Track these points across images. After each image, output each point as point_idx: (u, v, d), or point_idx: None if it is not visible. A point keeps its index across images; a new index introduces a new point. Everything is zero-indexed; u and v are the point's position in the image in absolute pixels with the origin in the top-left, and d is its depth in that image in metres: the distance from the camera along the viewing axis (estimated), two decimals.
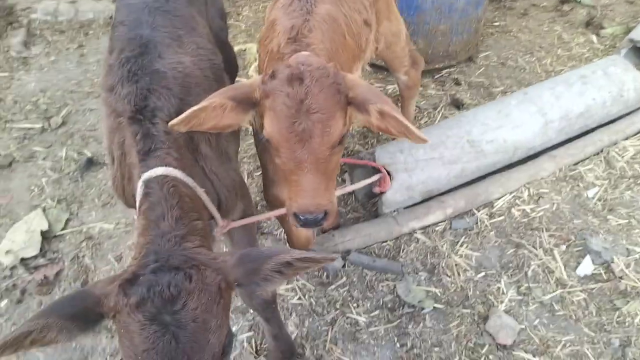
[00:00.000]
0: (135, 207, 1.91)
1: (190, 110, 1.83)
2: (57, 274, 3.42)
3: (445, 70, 4.97)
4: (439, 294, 3.24)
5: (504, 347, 2.97)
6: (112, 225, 3.71)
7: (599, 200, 3.68)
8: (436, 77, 4.93)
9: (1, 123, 4.51)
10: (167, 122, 1.88)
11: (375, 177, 3.45)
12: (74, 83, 4.96)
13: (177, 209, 1.77)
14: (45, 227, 3.61)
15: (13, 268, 3.43)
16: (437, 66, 4.89)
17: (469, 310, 3.14)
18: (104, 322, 1.51)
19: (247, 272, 1.58)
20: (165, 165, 1.85)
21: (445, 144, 3.63)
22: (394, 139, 3.67)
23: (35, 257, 3.49)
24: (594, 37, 5.19)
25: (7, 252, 3.49)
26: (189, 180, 1.90)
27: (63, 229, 3.70)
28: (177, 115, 1.89)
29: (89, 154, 4.20)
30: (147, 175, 1.82)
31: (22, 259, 3.46)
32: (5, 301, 3.26)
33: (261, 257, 1.58)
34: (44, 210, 3.77)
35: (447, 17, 4.57)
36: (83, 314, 1.48)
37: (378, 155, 3.55)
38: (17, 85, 4.91)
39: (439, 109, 4.54)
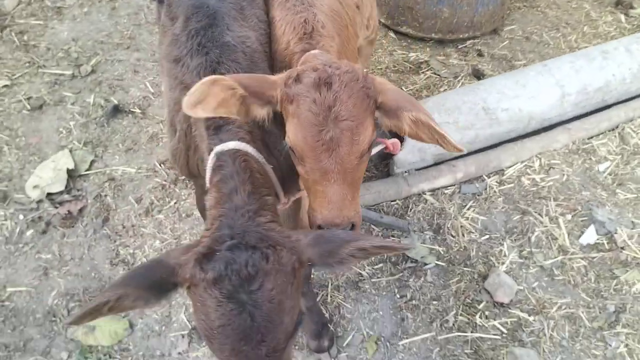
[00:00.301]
0: (196, 177, 1.98)
1: (197, 84, 1.69)
2: (81, 210, 3.60)
3: (470, 41, 4.98)
4: (442, 252, 3.34)
5: (501, 305, 3.07)
6: (134, 170, 3.87)
7: (610, 174, 3.72)
8: (460, 47, 4.95)
9: (34, 68, 4.68)
10: None
11: (389, 141, 3.52)
12: (104, 34, 5.09)
13: (249, 184, 1.77)
14: (71, 165, 3.79)
15: (39, 202, 3.62)
16: (461, 36, 4.90)
17: (469, 269, 3.24)
18: (178, 291, 1.53)
19: (322, 254, 1.57)
20: (238, 140, 1.85)
21: (460, 110, 3.69)
22: None
23: (61, 193, 3.67)
24: (622, 17, 5.13)
25: (35, 187, 3.68)
26: (259, 156, 1.89)
27: (88, 169, 3.87)
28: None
29: (115, 102, 4.35)
30: (219, 148, 1.82)
31: (48, 194, 3.65)
32: (30, 231, 3.46)
33: (338, 240, 1.56)
34: (70, 151, 3.95)
35: None
36: (158, 283, 1.50)
37: None
38: (50, 34, 5.07)
39: (459, 78, 4.58)
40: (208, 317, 1.46)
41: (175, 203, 3.64)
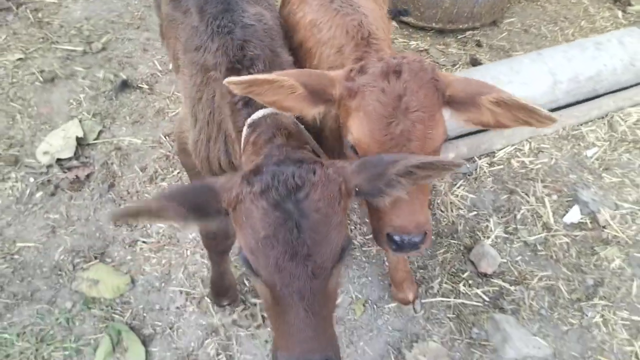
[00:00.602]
0: (218, 169, 2.04)
1: (256, 76, 1.65)
2: (88, 175, 3.77)
3: (469, 32, 5.13)
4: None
5: (484, 275, 3.22)
6: (140, 141, 4.04)
7: (597, 159, 3.86)
8: (459, 37, 5.10)
9: (47, 44, 4.85)
10: (263, 72, 1.91)
11: None
12: (115, 14, 5.26)
13: (285, 132, 1.80)
14: (80, 134, 3.96)
15: (49, 167, 3.79)
16: (460, 26, 5.05)
17: (456, 242, 3.39)
18: (218, 217, 1.56)
19: (370, 178, 1.55)
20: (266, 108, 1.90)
21: None
22: None
23: (70, 159, 3.83)
24: (619, 13, 5.27)
25: (45, 152, 3.85)
26: (291, 119, 1.91)
27: (96, 139, 4.04)
28: (271, 66, 1.91)
29: (124, 77, 4.51)
30: (251, 118, 1.88)
31: (58, 160, 3.81)
32: (40, 193, 3.63)
33: (384, 161, 1.54)
34: (80, 121, 4.11)
35: None
36: (201, 206, 1.52)
37: None
38: (64, 12, 5.25)
39: (457, 66, 4.72)
40: (254, 230, 1.46)
41: (178, 172, 3.80)
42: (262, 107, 1.90)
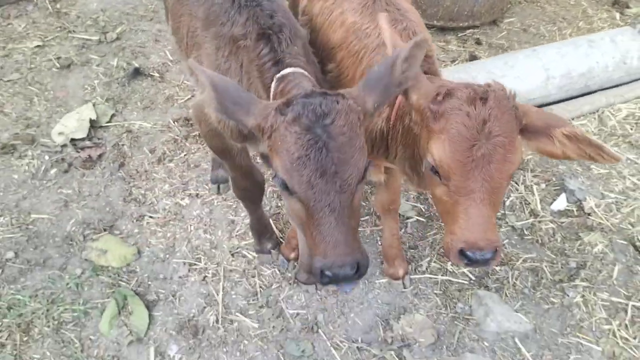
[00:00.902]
0: (240, 142, 2.24)
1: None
2: (100, 155, 3.97)
3: (469, 30, 5.29)
4: (423, 210, 3.66)
5: None
6: (149, 125, 4.25)
7: None
8: (460, 35, 5.27)
9: (64, 33, 5.08)
10: (289, 39, 2.18)
11: None
12: (130, 7, 5.49)
13: (310, 82, 2.08)
14: (94, 117, 4.17)
15: (63, 146, 4.00)
16: (461, 24, 5.22)
17: None
18: (243, 127, 1.85)
19: (381, 92, 1.82)
20: (294, 67, 2.15)
21: None
22: None
23: (83, 139, 4.05)
24: (617, 15, 5.42)
25: (60, 133, 4.06)
26: (313, 80, 2.18)
27: (108, 122, 4.25)
28: (294, 34, 2.17)
29: (136, 65, 4.73)
30: (279, 74, 2.12)
31: (72, 140, 4.03)
32: (54, 170, 3.84)
33: (383, 71, 1.82)
34: (93, 105, 4.33)
35: None
36: (238, 105, 1.80)
37: None
38: (81, 4, 5.48)
39: (456, 62, 4.89)
40: (288, 153, 1.70)
41: (185, 155, 4.00)
42: (289, 66, 2.15)
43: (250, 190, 2.98)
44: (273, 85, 2.14)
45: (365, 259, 1.78)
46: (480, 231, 1.74)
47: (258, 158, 2.70)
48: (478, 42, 5.18)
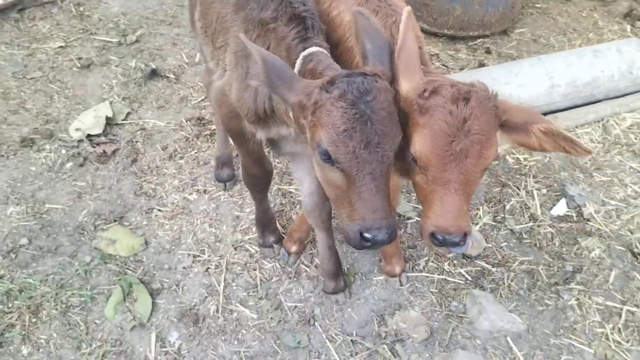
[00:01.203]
0: (262, 114, 2.44)
1: None
2: (114, 151, 4.13)
3: (480, 40, 5.38)
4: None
5: (469, 257, 3.44)
6: (163, 123, 4.40)
7: (590, 160, 4.05)
8: (470, 44, 5.35)
9: (86, 34, 5.29)
10: (319, 28, 2.37)
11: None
12: (150, 11, 5.69)
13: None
14: (110, 114, 4.34)
15: (80, 141, 4.17)
16: (471, 34, 5.30)
17: None
18: (282, 102, 2.06)
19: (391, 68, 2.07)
20: (320, 47, 2.31)
21: None
22: None
23: (99, 135, 4.21)
24: (628, 27, 5.46)
25: (77, 129, 4.24)
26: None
27: (124, 119, 4.41)
28: (320, 26, 2.36)
29: (153, 66, 4.90)
30: (305, 52, 2.27)
31: (88, 135, 4.19)
32: (70, 163, 4.01)
33: (378, 33, 2.11)
34: (110, 103, 4.50)
35: None
36: (283, 80, 1.98)
37: None
38: (104, 7, 5.69)
39: (465, 69, 4.98)
40: (335, 126, 1.87)
41: (195, 152, 4.14)
42: (315, 45, 2.30)
43: (259, 178, 3.10)
44: (298, 62, 2.27)
45: (396, 226, 1.97)
46: (452, 218, 1.92)
47: (272, 149, 2.82)
48: (488, 51, 5.26)
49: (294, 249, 3.39)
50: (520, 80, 4.18)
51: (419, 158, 1.97)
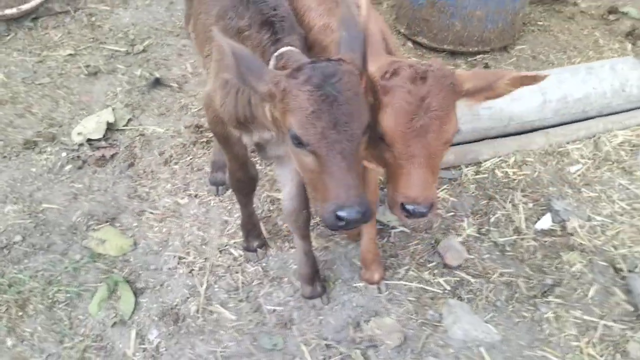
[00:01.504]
0: (242, 119, 2.54)
1: None
2: (113, 155, 4.28)
3: (480, 55, 5.42)
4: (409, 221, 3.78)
5: (450, 267, 3.47)
6: (162, 130, 4.54)
7: (579, 175, 4.06)
8: (469, 59, 5.41)
9: (96, 44, 5.49)
10: (290, 29, 2.48)
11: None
12: (159, 22, 5.88)
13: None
14: (111, 120, 4.49)
15: (80, 145, 4.33)
16: (471, 49, 5.35)
17: (429, 236, 3.67)
18: (254, 92, 2.13)
19: (361, 55, 2.14)
20: (292, 47, 2.42)
21: None
22: None
23: (99, 140, 4.37)
24: (629, 46, 5.45)
25: (79, 133, 4.40)
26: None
27: (125, 125, 4.56)
28: (294, 27, 2.49)
29: (158, 75, 5.06)
30: (278, 52, 2.39)
31: (89, 140, 4.35)
32: (69, 166, 4.16)
33: (353, 24, 2.17)
34: (113, 109, 4.66)
35: (483, 4, 5.04)
36: (252, 72, 2.04)
37: None
38: (114, 18, 5.90)
39: None
40: (302, 109, 1.95)
41: (190, 159, 4.26)
42: (287, 45, 2.41)
43: (243, 182, 3.20)
44: (271, 63, 2.38)
45: (371, 205, 2.03)
46: (419, 189, 2.06)
47: (257, 152, 2.93)
48: (487, 67, 5.30)
49: (376, 276, 3.36)
50: (512, 95, 4.13)
51: (385, 134, 2.11)
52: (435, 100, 2.02)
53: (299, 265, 3.28)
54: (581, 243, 3.57)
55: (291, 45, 2.43)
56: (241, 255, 3.54)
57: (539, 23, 5.87)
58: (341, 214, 1.95)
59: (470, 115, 4.12)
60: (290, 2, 2.85)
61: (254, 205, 3.75)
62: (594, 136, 4.29)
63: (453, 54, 5.44)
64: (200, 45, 3.11)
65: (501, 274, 3.43)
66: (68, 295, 3.29)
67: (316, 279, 3.29)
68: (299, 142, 2.02)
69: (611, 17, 5.90)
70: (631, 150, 4.18)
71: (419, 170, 2.05)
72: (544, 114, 4.26)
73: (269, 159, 3.18)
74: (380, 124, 2.11)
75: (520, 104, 4.20)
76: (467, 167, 4.16)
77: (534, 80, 2.18)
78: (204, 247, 3.61)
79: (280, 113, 2.09)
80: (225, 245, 3.60)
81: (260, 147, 2.88)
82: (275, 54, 2.40)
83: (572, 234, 3.62)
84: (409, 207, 2.08)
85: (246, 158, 3.11)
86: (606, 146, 4.20)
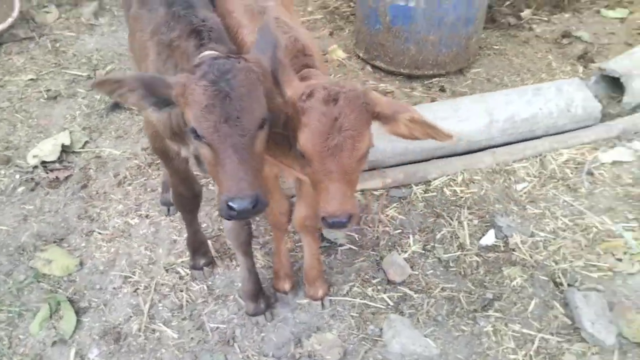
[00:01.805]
0: (173, 140, 2.61)
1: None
2: (67, 177, 4.31)
3: (436, 78, 5.56)
4: (356, 238, 3.84)
5: (394, 283, 3.52)
6: (119, 152, 4.59)
7: (525, 193, 4.15)
8: (425, 82, 5.53)
9: (59, 69, 5.57)
10: (218, 39, 2.55)
11: None
12: (124, 48, 5.96)
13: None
14: (67, 142, 4.53)
15: (35, 167, 4.36)
16: (426, 73, 5.49)
17: (375, 253, 3.72)
18: (168, 104, 2.16)
19: (272, 59, 2.26)
20: (214, 51, 2.46)
21: None
22: None
23: (54, 162, 4.40)
24: (580, 68, 5.62)
25: (34, 156, 4.43)
26: None
27: (81, 148, 4.61)
28: (223, 37, 2.57)
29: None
30: (200, 55, 2.41)
31: (43, 162, 4.38)
32: (22, 188, 4.19)
33: (269, 39, 2.29)
34: (70, 132, 4.71)
35: (437, 30, 5.20)
36: (157, 91, 2.12)
37: None
38: (79, 44, 6.00)
39: (416, 106, 5.14)
40: (198, 103, 2.04)
41: (145, 180, 4.31)
42: (208, 49, 2.45)
43: (186, 198, 3.25)
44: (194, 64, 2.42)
45: (264, 197, 2.11)
46: (337, 203, 2.16)
47: (195, 164, 2.98)
48: (442, 90, 5.43)
49: (287, 286, 3.45)
50: (461, 116, 4.33)
51: (304, 152, 2.22)
52: (347, 121, 2.13)
53: (243, 282, 3.31)
54: (523, 258, 3.64)
55: (215, 50, 2.48)
56: (188, 274, 3.56)
57: (495, 47, 6.04)
58: (232, 204, 2.04)
59: None
60: (222, 18, 2.95)
61: (204, 224, 3.80)
62: (540, 155, 4.40)
63: (410, 77, 5.57)
64: (138, 62, 3.16)
65: (443, 289, 3.48)
66: (10, 315, 3.28)
67: (260, 296, 3.31)
68: (196, 135, 2.11)
69: (564, 41, 6.09)
70: (575, 168, 4.29)
71: (336, 186, 2.16)
72: (491, 133, 4.37)
73: (206, 172, 3.22)
74: (300, 142, 2.22)
75: (468, 124, 4.31)
76: (417, 185, 4.24)
77: (438, 135, 2.24)
78: (151, 266, 3.62)
79: (183, 109, 2.18)
80: (172, 265, 3.62)
81: (198, 160, 2.93)
82: (198, 57, 2.44)
83: (514, 250, 3.69)
84: (329, 220, 2.18)
85: (188, 174, 3.16)
86: (551, 164, 4.31)
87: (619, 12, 6.64)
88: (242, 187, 2.03)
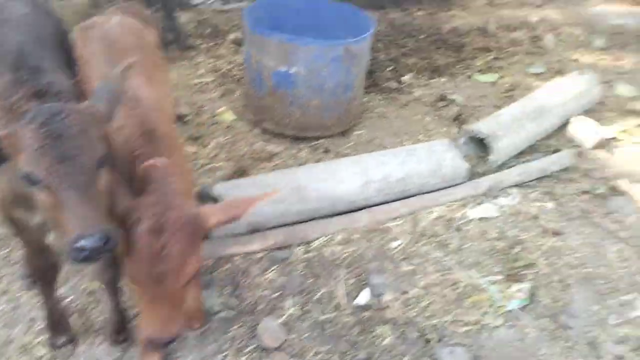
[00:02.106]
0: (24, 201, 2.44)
1: None
2: None
3: (321, 140, 5.74)
4: (234, 304, 3.78)
5: (269, 349, 3.48)
6: None
7: (399, 251, 4.31)
8: (312, 144, 5.68)
9: None
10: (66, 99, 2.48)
11: None
12: None
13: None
14: None
15: None
16: (311, 135, 5.67)
17: (252, 318, 3.68)
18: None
19: (109, 105, 2.24)
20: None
21: (278, 186, 4.29)
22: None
23: None
24: (455, 129, 6.03)
25: None
26: None
27: None
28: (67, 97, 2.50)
29: None
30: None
31: None
32: None
33: (109, 89, 2.27)
34: None
35: (318, 95, 5.41)
36: None
37: (216, 189, 4.22)
38: None
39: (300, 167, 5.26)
40: (29, 146, 1.96)
41: (9, 251, 4.05)
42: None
43: (42, 270, 3.10)
44: None
45: (115, 233, 2.06)
46: (160, 325, 2.24)
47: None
48: (326, 151, 5.61)
49: None
50: (338, 177, 4.47)
51: (132, 280, 2.27)
52: (172, 250, 2.18)
53: (110, 319, 3.34)
54: (394, 316, 3.73)
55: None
56: (47, 353, 3.33)
57: (377, 110, 6.36)
58: (81, 243, 1.96)
59: (299, 197, 4.31)
60: (83, 84, 2.92)
61: (71, 297, 3.62)
62: (413, 213, 4.61)
63: (297, 138, 5.72)
64: None
65: (317, 353, 3.48)
66: None
67: (121, 330, 3.37)
68: (30, 181, 2.04)
69: (440, 104, 6.53)
70: (445, 225, 4.52)
71: (161, 309, 2.22)
72: (367, 193, 4.54)
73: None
74: (127, 269, 2.27)
75: (346, 186, 4.46)
76: (298, 246, 4.28)
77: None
78: (6, 346, 3.36)
79: (15, 158, 2.09)
80: (30, 343, 3.38)
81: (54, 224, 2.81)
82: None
83: (386, 308, 3.78)
84: (154, 341, 2.27)
85: (42, 244, 3.01)
86: (422, 222, 4.52)
87: (490, 77, 7.25)
88: (89, 224, 1.96)
